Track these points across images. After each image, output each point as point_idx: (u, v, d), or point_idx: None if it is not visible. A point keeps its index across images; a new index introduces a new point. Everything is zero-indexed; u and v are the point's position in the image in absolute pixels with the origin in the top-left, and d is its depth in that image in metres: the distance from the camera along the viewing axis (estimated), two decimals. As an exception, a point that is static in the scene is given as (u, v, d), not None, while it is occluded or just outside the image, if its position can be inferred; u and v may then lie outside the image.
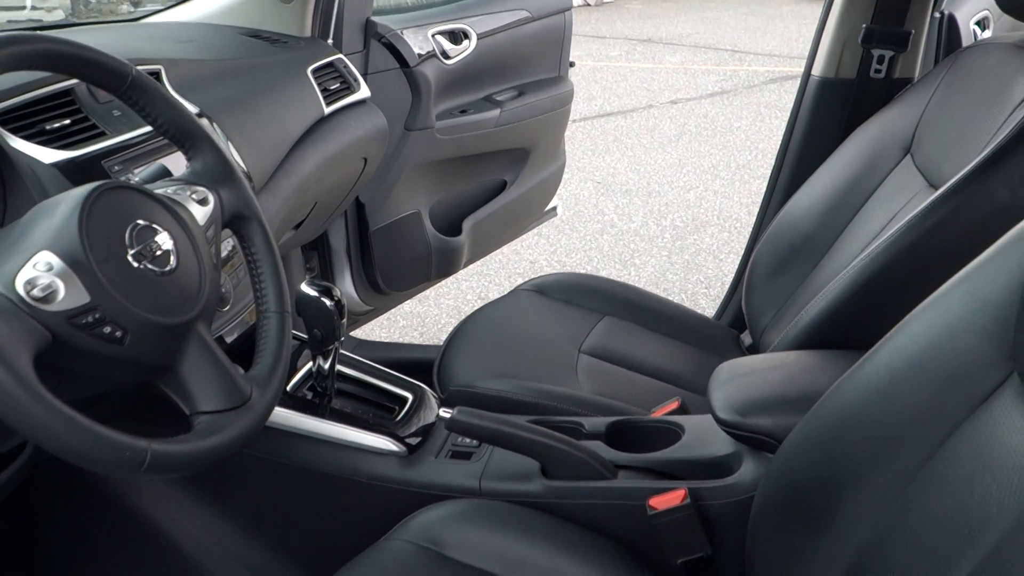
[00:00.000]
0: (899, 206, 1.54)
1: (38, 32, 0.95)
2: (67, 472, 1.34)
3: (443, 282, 3.07)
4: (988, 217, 1.22)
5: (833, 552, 0.99)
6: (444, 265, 2.53)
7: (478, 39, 2.44)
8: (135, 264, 0.85)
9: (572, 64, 2.82)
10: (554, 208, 3.07)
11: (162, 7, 2.02)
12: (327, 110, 1.82)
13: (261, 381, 0.96)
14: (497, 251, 2.97)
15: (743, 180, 4.75)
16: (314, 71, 1.83)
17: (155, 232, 0.89)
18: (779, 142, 1.97)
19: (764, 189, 2.01)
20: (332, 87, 1.87)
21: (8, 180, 1.08)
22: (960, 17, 2.01)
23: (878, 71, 1.79)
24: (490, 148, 2.57)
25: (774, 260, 1.77)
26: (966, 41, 2.03)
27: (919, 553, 0.87)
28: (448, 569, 1.14)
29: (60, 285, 0.78)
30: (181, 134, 1.03)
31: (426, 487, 1.29)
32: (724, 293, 2.15)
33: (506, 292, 2.01)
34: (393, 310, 3.25)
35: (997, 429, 0.87)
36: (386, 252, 2.35)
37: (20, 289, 0.77)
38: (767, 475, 1.11)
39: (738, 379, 1.25)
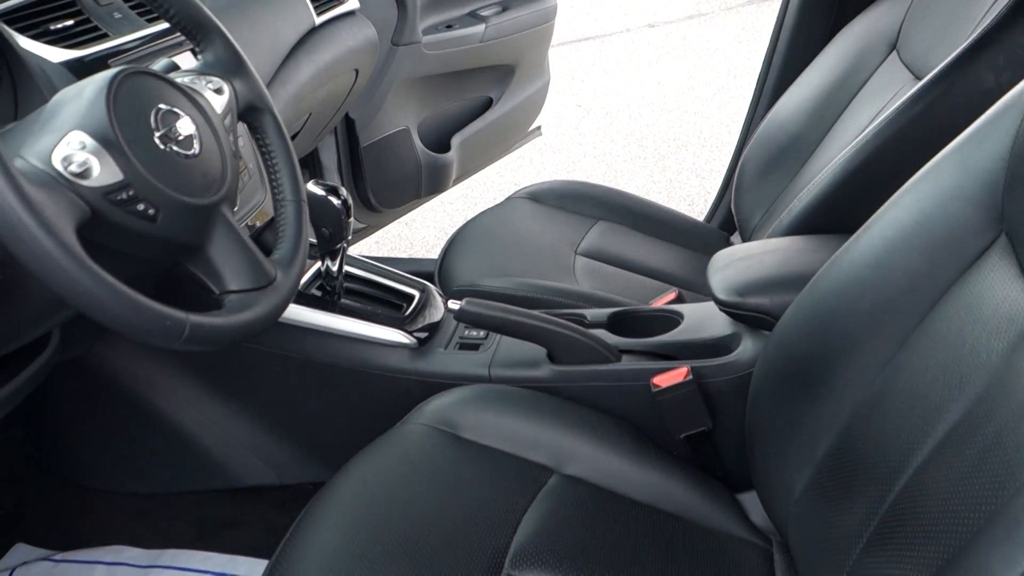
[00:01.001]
0: (886, 101, 1.58)
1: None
2: (87, 374, 1.38)
3: (430, 204, 3.09)
4: (974, 100, 1.25)
5: (830, 415, 1.05)
6: (434, 182, 2.55)
7: (462, -47, 2.43)
8: (161, 146, 0.88)
9: (554, -20, 2.81)
10: (538, 128, 3.09)
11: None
12: (317, 20, 1.82)
13: (284, 263, 1.00)
14: (481, 173, 2.99)
15: (722, 101, 4.76)
16: (302, -20, 1.83)
17: (177, 117, 0.91)
18: (759, 64, 1.99)
19: (745, 109, 2.04)
20: (321, -1, 1.87)
21: (18, 78, 1.10)
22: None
23: (862, -31, 1.81)
24: (476, 64, 2.58)
25: (763, 161, 1.81)
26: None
27: (912, 403, 0.93)
28: (463, 449, 1.19)
29: (94, 162, 0.81)
30: (194, 26, 1.04)
31: (437, 376, 1.33)
32: (708, 206, 2.19)
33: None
34: (381, 232, 3.28)
35: (986, 286, 0.92)
36: (377, 169, 2.38)
37: (58, 165, 0.79)
38: (765, 350, 1.17)
39: (736, 263, 1.30)
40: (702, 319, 1.35)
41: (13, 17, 1.14)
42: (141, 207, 0.84)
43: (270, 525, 1.43)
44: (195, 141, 0.92)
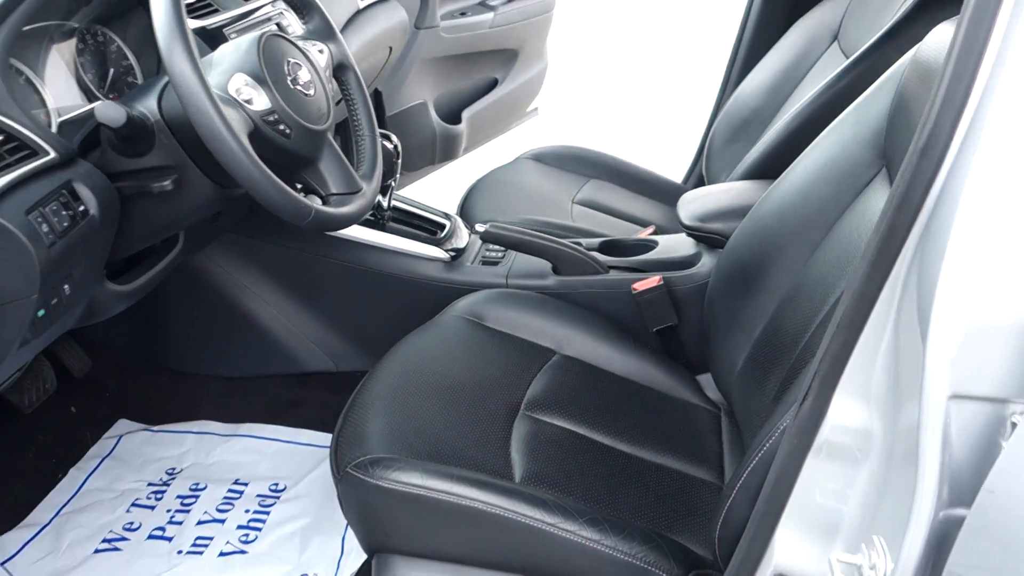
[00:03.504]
0: (825, 80, 1.95)
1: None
2: (188, 277, 1.74)
3: (437, 175, 3.45)
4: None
5: (763, 305, 1.42)
6: (447, 150, 2.91)
7: (475, -52, 2.79)
8: (292, 87, 1.25)
9: (554, -27, 3.17)
10: (535, 109, 3.45)
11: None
12: (361, 4, 2.19)
13: (367, 177, 1.37)
14: (486, 145, 3.35)
15: (710, 84, 5.13)
16: (349, -29, 2.19)
17: (300, 67, 1.28)
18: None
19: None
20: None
21: (162, 40, 1.46)
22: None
23: (813, -28, 2.19)
24: (485, 48, 2.94)
25: (729, 131, 2.18)
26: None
27: (815, 288, 1.31)
28: (487, 334, 1.57)
29: (254, 94, 1.18)
30: (302, 3, 1.41)
31: (465, 284, 1.70)
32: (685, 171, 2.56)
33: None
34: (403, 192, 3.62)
35: (870, 203, 1.30)
36: (399, 135, 2.74)
37: (232, 92, 1.16)
38: (718, 261, 1.54)
39: (699, 199, 1.68)
40: (672, 245, 1.73)
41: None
42: (282, 127, 1.21)
43: (327, 405, 1.79)
44: (311, 85, 1.29)
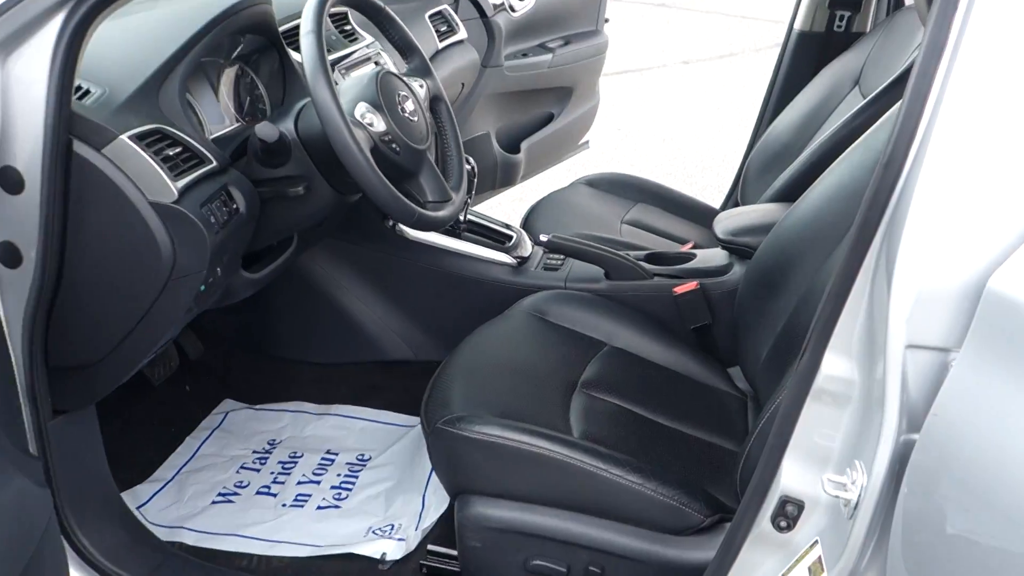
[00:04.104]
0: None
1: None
2: (290, 274, 2.04)
3: (496, 202, 3.75)
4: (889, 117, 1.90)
5: (784, 304, 1.68)
6: (506, 177, 3.21)
7: (536, -3, 3.11)
8: (401, 114, 1.55)
9: (607, 20, 3.49)
10: (587, 142, 3.75)
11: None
12: (440, 45, 2.51)
13: (455, 188, 1.67)
14: (541, 176, 3.65)
15: (746, 130, 5.41)
16: (429, 16, 2.52)
17: (407, 98, 1.59)
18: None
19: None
20: (442, 29, 2.56)
21: (288, 73, 1.79)
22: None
23: (839, 26, 2.47)
24: (543, 85, 3.25)
25: (763, 163, 2.45)
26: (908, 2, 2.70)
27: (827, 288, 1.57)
28: (550, 327, 1.84)
29: (374, 118, 1.49)
30: (404, 45, 1.72)
31: (529, 286, 1.99)
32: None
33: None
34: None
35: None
36: (466, 161, 3.06)
37: (358, 116, 1.47)
38: (747, 269, 1.82)
39: (732, 216, 1.96)
40: (708, 256, 2.01)
41: (286, 38, 1.82)
42: (393, 145, 1.51)
43: (406, 389, 2.07)
44: (415, 113, 1.59)
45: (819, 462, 1.16)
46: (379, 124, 1.49)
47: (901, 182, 1.01)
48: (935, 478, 1.02)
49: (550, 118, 3.39)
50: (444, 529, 1.72)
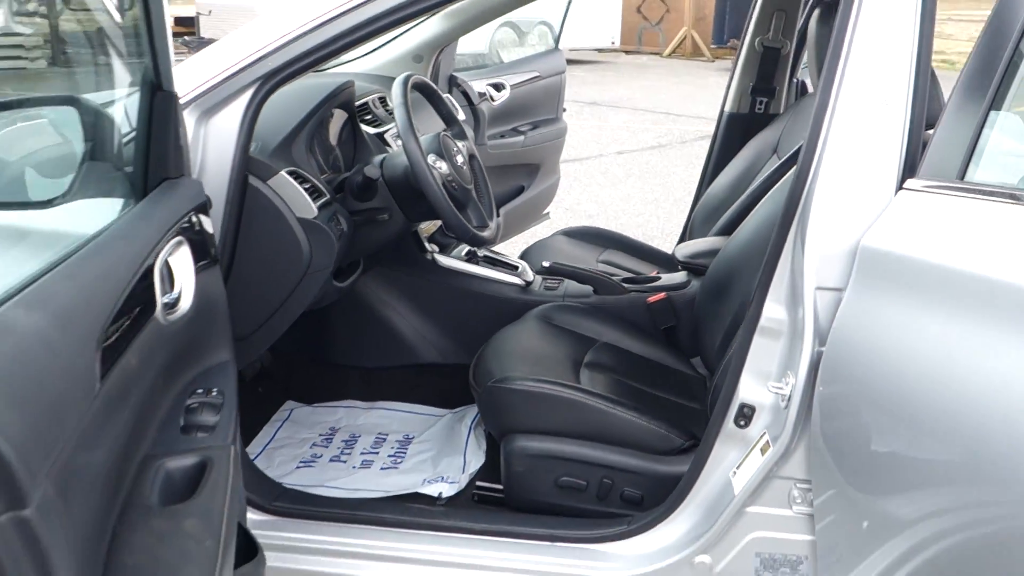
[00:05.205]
0: (769, 179, 2.90)
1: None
2: (352, 293, 2.60)
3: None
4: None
5: (730, 306, 2.30)
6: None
7: (511, 89, 3.79)
8: (456, 162, 2.16)
9: (564, 109, 4.19)
10: (547, 213, 4.40)
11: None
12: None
13: (490, 217, 2.27)
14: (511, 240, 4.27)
15: (681, 209, 6.14)
16: (437, 103, 3.16)
17: (459, 152, 2.20)
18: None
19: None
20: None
21: (359, 141, 2.39)
22: (809, 82, 3.43)
23: (759, 108, 3.19)
24: (516, 162, 3.90)
25: (705, 214, 3.11)
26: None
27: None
28: (555, 329, 2.43)
29: (441, 165, 2.09)
30: (448, 117, 2.35)
31: (536, 302, 2.58)
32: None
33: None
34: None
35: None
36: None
37: (431, 162, 2.07)
38: (702, 282, 2.44)
39: (688, 245, 2.60)
40: (672, 277, 2.64)
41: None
42: (453, 184, 2.12)
43: (437, 388, 2.63)
44: (463, 163, 2.20)
45: (764, 377, 1.77)
46: (444, 168, 2.10)
47: (806, 188, 1.65)
48: (837, 374, 1.63)
49: (521, 190, 4.04)
50: (486, 475, 2.27)
